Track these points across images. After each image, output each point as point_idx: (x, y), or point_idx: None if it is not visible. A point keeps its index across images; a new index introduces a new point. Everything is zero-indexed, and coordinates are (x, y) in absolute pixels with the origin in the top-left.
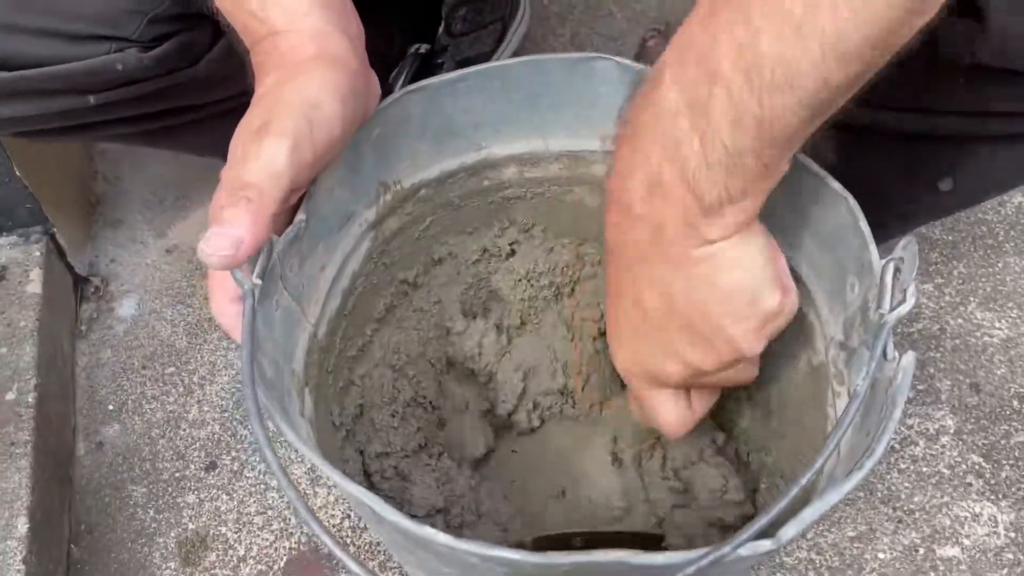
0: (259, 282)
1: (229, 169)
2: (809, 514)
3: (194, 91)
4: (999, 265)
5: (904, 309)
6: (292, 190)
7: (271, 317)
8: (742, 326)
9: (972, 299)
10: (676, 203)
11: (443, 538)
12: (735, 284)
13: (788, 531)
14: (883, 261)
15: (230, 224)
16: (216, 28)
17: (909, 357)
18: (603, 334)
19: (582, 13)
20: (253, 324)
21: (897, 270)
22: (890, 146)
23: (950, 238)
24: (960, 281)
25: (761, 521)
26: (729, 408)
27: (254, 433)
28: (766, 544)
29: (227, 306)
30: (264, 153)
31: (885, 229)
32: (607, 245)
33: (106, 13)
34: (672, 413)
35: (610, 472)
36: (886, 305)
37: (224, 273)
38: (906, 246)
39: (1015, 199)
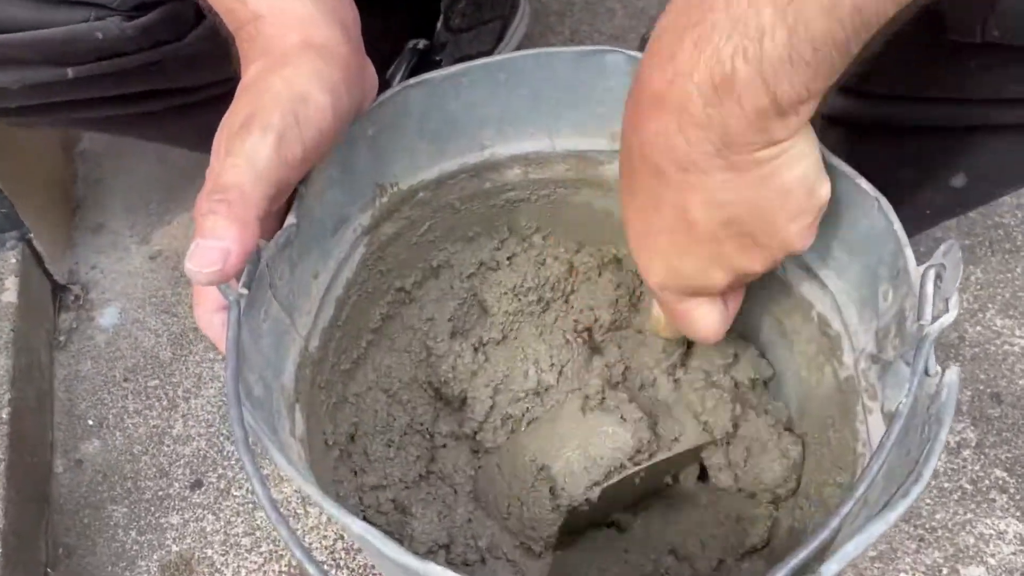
0: (245, 292)
1: (211, 170)
2: (853, 548)
3: (180, 70)
4: (1018, 270)
5: (947, 320)
6: (279, 190)
7: (259, 329)
8: (799, 222)
9: (991, 306)
10: (749, 103)
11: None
12: (796, 181)
13: (831, 568)
14: (922, 268)
15: (213, 235)
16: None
17: (953, 373)
18: (586, 331)
19: (582, 10)
20: (238, 337)
21: (939, 277)
22: (898, 142)
23: (967, 242)
24: (978, 287)
25: (800, 556)
26: None
27: (241, 459)
28: None
29: (213, 316)
30: (246, 150)
31: None
32: (634, 155)
33: None
34: (711, 318)
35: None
36: (927, 315)
37: (221, 315)
38: (948, 252)
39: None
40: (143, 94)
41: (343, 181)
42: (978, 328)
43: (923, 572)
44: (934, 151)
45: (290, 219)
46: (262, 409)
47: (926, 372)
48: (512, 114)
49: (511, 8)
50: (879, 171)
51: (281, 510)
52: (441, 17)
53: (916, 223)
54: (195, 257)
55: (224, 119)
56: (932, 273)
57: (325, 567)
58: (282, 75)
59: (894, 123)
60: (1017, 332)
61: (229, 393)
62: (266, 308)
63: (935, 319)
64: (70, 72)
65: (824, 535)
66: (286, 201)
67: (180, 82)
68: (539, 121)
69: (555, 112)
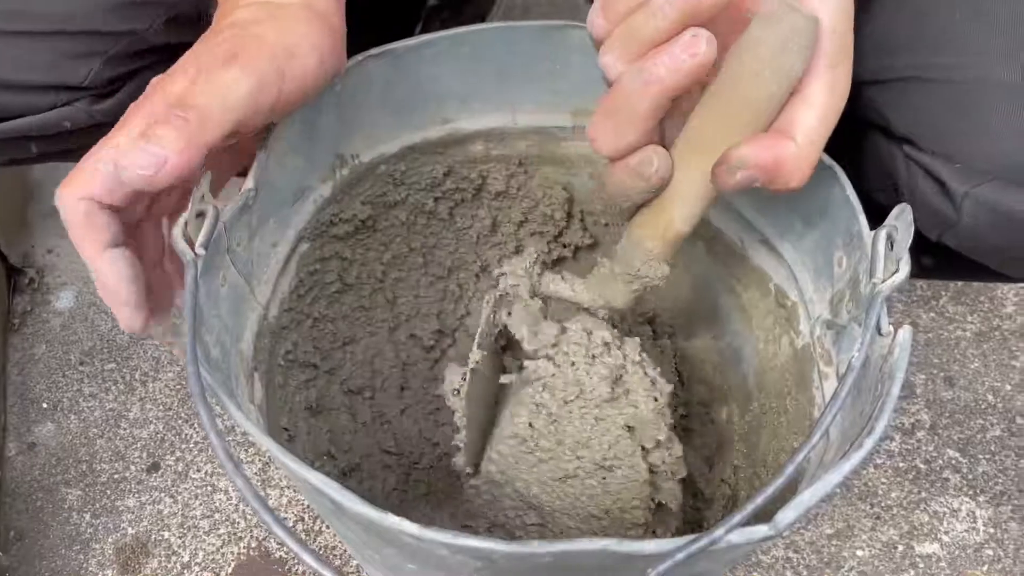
0: (203, 252)
1: (171, 83)
2: (809, 497)
3: None
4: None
5: (898, 279)
6: (236, 132)
7: (216, 292)
8: None
9: (944, 293)
10: None
11: (409, 526)
12: None
13: (787, 515)
14: (875, 231)
15: (159, 143)
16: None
17: (906, 332)
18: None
19: (548, 5)
20: (196, 297)
21: (890, 238)
22: None
23: None
24: None
25: (756, 501)
26: (706, 399)
27: (199, 415)
28: (762, 530)
29: (103, 253)
30: (223, 81)
31: None
32: None
33: (67, 59)
34: None
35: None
36: (879, 275)
37: (92, 211)
38: (899, 214)
39: None
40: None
41: (304, 149)
42: (932, 314)
43: (879, 549)
44: None
45: (248, 183)
46: (219, 371)
47: (879, 331)
48: (476, 88)
49: (485, 13)
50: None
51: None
52: (420, 23)
53: None
54: (129, 155)
55: (202, 43)
56: (884, 234)
57: (286, 548)
58: (277, 26)
59: None
60: (969, 318)
61: (188, 349)
62: (224, 272)
63: (887, 279)
64: (34, 148)
65: (779, 482)
66: (244, 169)
67: None
68: (502, 96)
69: (518, 87)
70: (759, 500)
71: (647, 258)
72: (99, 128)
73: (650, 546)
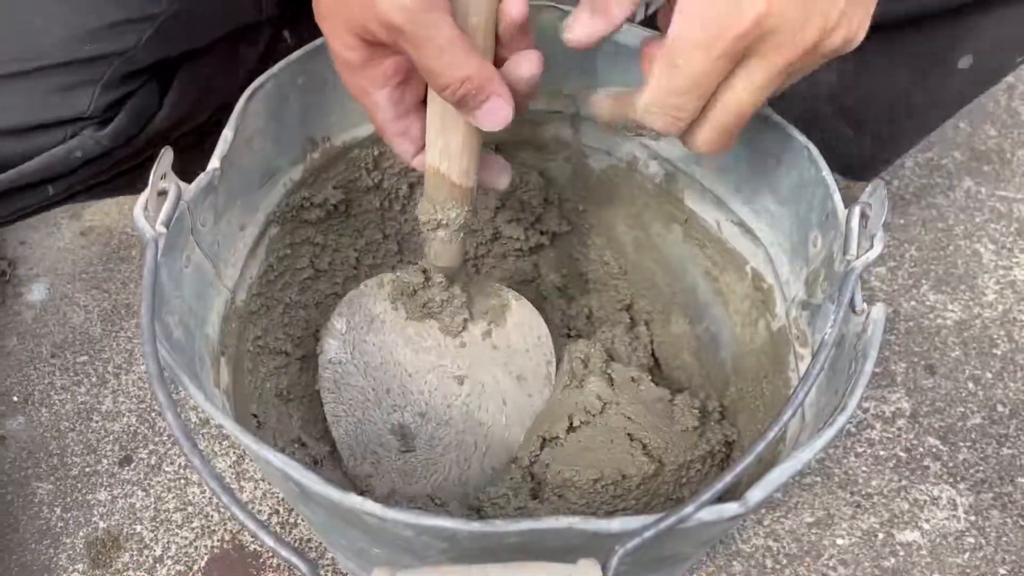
0: (163, 230)
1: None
2: (778, 475)
3: (148, 148)
4: (950, 248)
5: (872, 255)
6: None
7: (179, 273)
8: None
9: (924, 281)
10: None
11: (371, 507)
12: None
13: (756, 493)
14: (849, 207)
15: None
16: (161, 84)
17: (879, 310)
18: None
19: None
20: (156, 275)
21: (864, 215)
22: (903, 38)
23: (901, 221)
24: (912, 264)
25: (726, 479)
26: (684, 385)
27: (155, 397)
28: (732, 507)
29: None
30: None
31: (900, 140)
32: None
33: (60, 93)
34: None
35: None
36: (852, 251)
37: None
38: (873, 191)
39: (964, 183)
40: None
41: (273, 131)
42: (912, 303)
43: (860, 537)
44: (940, 37)
45: (213, 163)
46: (181, 353)
47: (853, 309)
48: None
49: None
50: (888, 74)
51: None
52: None
53: (921, 125)
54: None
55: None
56: (857, 211)
57: (259, 541)
58: None
59: (891, 19)
60: (949, 306)
61: (144, 328)
62: (188, 253)
63: (861, 255)
64: (51, 190)
65: (748, 459)
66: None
67: (147, 154)
68: None
69: None
70: (728, 478)
71: (434, 202)
72: (108, 155)
73: (616, 524)
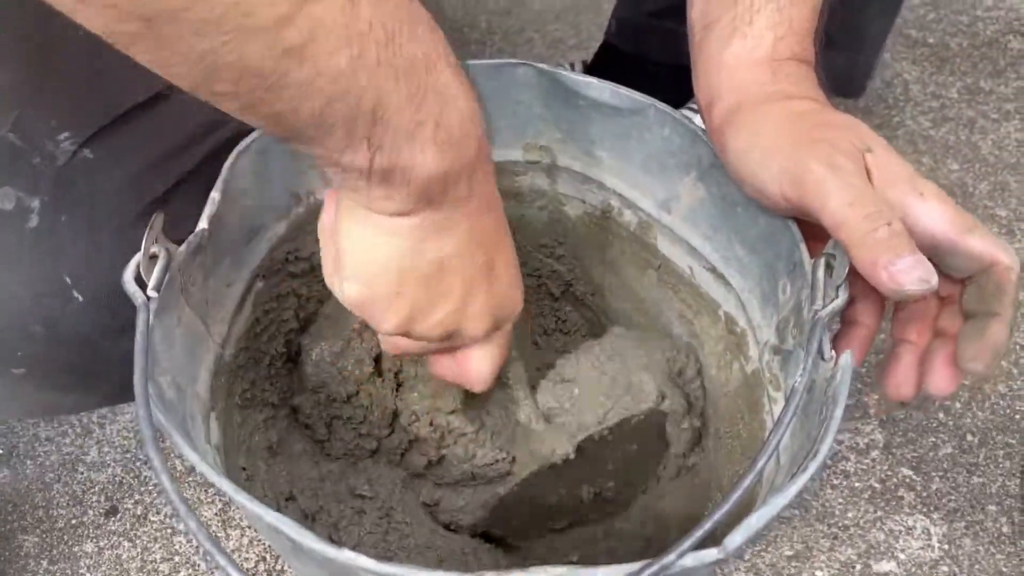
0: (155, 294)
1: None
2: (755, 520)
3: None
4: None
5: (837, 304)
6: None
7: (172, 334)
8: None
9: None
10: None
11: (365, 562)
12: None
13: (735, 539)
14: (814, 259)
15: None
16: None
17: (847, 356)
18: None
19: (502, 40)
20: (148, 339)
21: (828, 266)
22: None
23: None
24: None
25: (705, 527)
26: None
27: (159, 484)
28: (712, 553)
29: None
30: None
31: (871, 36)
32: None
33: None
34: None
35: None
36: (819, 301)
37: None
38: (837, 244)
39: None
40: None
41: (256, 189)
42: (883, 335)
43: (838, 569)
44: None
45: (201, 224)
46: (174, 412)
47: (822, 356)
48: None
49: None
50: None
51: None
52: None
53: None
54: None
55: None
56: (823, 262)
57: None
58: None
59: None
60: None
61: (138, 392)
62: (179, 314)
63: (827, 305)
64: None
65: (725, 507)
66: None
67: None
68: None
69: None
70: (707, 525)
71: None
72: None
73: (603, 572)
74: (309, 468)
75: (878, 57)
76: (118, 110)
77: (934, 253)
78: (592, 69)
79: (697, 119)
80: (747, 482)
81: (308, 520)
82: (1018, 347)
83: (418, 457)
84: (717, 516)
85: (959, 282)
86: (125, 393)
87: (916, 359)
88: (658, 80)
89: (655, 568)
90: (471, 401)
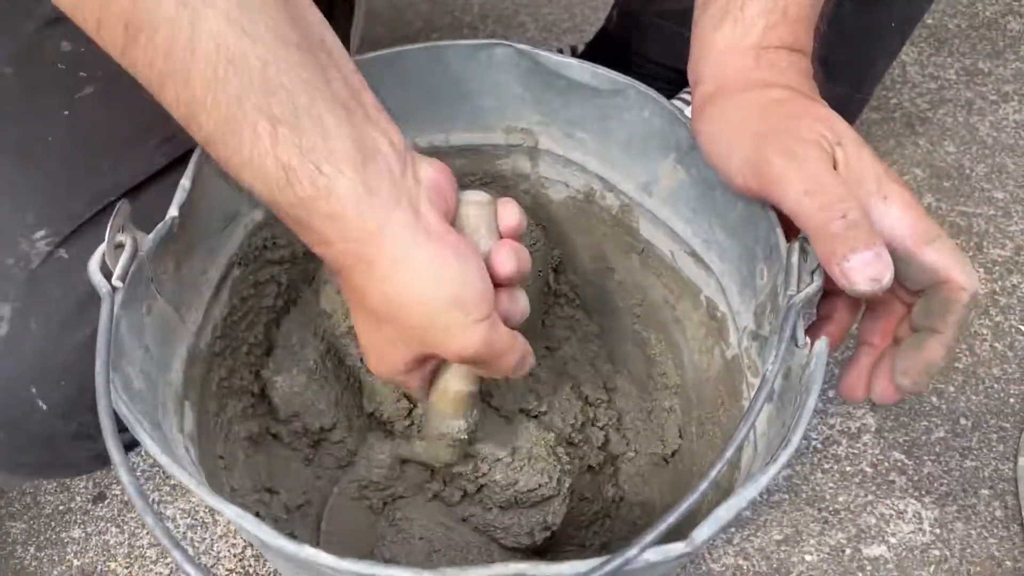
0: (120, 285)
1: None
2: (724, 512)
3: None
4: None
5: (811, 290)
6: None
7: (140, 323)
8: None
9: None
10: None
11: (326, 558)
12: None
13: (702, 532)
14: (789, 243)
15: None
16: None
17: (822, 343)
18: None
19: (495, 23)
20: (110, 331)
21: (803, 251)
22: None
23: None
24: None
25: (668, 520)
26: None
27: (111, 453)
28: (679, 547)
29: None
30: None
31: (871, 71)
32: None
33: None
34: None
35: None
36: (793, 286)
37: None
38: None
39: (926, 200)
40: None
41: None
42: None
43: (827, 553)
44: None
45: (171, 212)
46: (143, 402)
47: (796, 343)
48: (406, 109)
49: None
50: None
51: (193, 518)
52: None
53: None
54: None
55: None
56: (797, 247)
57: (234, 575)
58: None
59: None
60: None
61: (99, 384)
62: (148, 303)
63: (801, 290)
64: None
65: (691, 499)
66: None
67: None
68: (433, 116)
69: (448, 106)
70: (670, 519)
71: (442, 418)
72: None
73: (566, 568)
74: (290, 461)
75: (873, 93)
76: (99, 204)
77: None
78: (586, 57)
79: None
80: (714, 473)
81: (291, 513)
82: (1013, 330)
83: (455, 492)
84: (682, 508)
85: (916, 294)
86: (88, 468)
87: (872, 363)
88: (654, 80)
89: (617, 562)
90: (491, 427)
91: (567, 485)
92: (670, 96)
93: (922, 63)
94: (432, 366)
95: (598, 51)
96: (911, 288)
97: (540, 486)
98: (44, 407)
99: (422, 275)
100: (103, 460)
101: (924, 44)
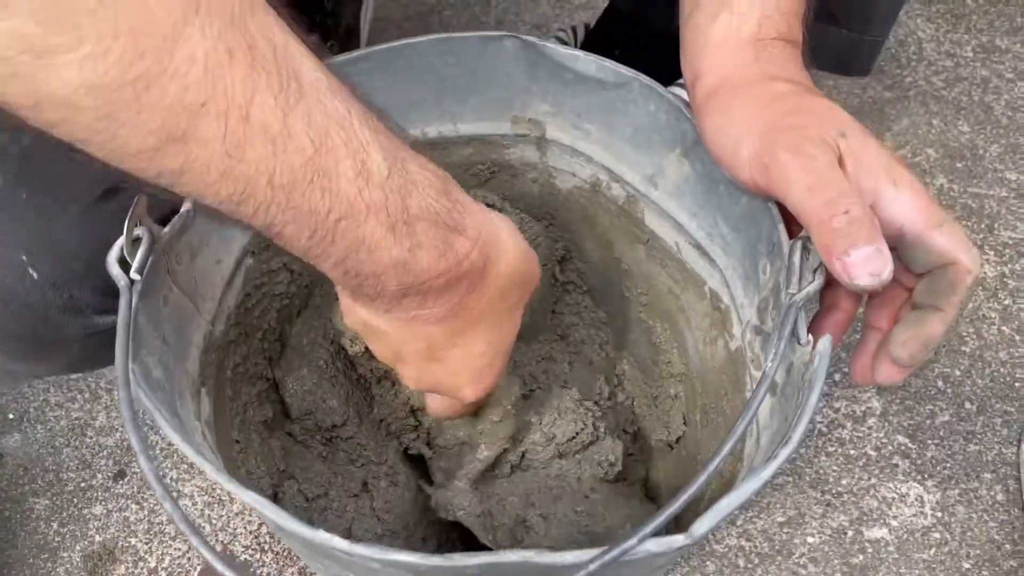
0: (138, 277)
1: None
2: (725, 505)
3: None
4: None
5: (812, 288)
6: None
7: (158, 314)
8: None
9: None
10: None
11: (338, 542)
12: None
13: (702, 525)
14: (791, 241)
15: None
16: None
17: (825, 341)
18: None
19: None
20: (129, 323)
21: (805, 249)
22: None
23: None
24: None
25: (668, 511)
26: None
27: (132, 441)
28: (679, 539)
29: None
30: None
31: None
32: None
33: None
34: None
35: None
36: (795, 284)
37: None
38: None
39: (938, 181)
40: None
41: None
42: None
43: (829, 535)
44: None
45: (186, 205)
46: (162, 391)
47: (798, 341)
48: (416, 99)
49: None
50: None
51: (210, 495)
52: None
53: None
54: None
55: None
56: (799, 245)
57: (250, 551)
58: None
59: None
60: None
61: (119, 375)
62: (165, 294)
63: (802, 288)
64: None
65: (691, 491)
66: None
67: None
68: (442, 106)
69: (457, 97)
70: (669, 511)
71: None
72: None
73: (568, 557)
74: (310, 458)
75: (887, 36)
76: None
77: (899, 244)
78: (594, 32)
79: (685, 95)
80: (713, 467)
81: (310, 501)
82: (1022, 313)
83: (504, 466)
84: (680, 502)
85: (920, 276)
86: (84, 364)
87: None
88: (658, 50)
89: (615, 553)
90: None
91: (603, 428)
92: (674, 77)
93: (939, 39)
94: None
95: (605, 26)
96: (916, 271)
97: (577, 433)
98: (35, 275)
99: (511, 229)
100: (95, 340)
101: (941, 20)
